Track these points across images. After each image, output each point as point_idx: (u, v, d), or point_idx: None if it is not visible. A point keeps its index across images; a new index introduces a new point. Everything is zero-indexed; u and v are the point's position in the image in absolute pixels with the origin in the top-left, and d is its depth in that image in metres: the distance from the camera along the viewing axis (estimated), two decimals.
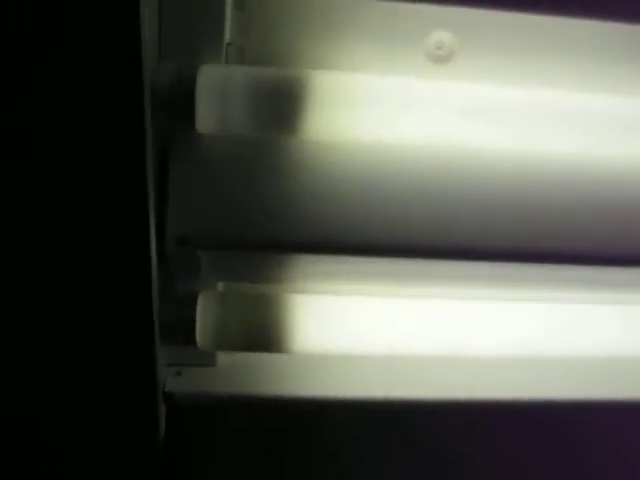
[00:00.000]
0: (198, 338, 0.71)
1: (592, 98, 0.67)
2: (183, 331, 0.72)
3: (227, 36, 0.66)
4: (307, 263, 0.70)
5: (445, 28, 0.67)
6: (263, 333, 0.73)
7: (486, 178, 0.67)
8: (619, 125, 0.67)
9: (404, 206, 0.66)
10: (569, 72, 0.68)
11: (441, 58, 0.68)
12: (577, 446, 0.83)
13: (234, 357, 0.79)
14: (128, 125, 0.61)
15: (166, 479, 0.77)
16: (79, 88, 0.60)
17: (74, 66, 0.59)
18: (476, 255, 0.67)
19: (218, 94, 0.63)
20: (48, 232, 0.65)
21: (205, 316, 0.71)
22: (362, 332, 0.73)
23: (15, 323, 0.69)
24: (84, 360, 0.71)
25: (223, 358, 0.79)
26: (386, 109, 0.65)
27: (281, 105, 0.64)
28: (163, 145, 0.65)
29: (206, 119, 0.64)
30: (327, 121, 0.65)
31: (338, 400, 0.75)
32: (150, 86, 0.61)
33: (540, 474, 0.83)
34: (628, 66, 0.69)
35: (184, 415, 0.77)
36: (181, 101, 0.63)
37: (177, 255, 0.66)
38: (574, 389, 0.78)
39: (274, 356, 0.79)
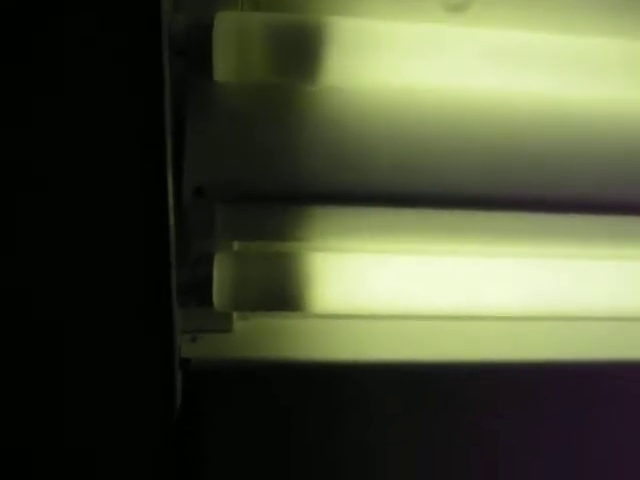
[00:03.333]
0: (214, 298, 0.70)
1: (610, 42, 0.66)
2: (199, 292, 0.70)
3: None
4: (325, 216, 0.69)
5: None
6: (281, 292, 0.71)
7: (505, 124, 0.67)
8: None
9: (424, 152, 0.66)
10: (586, 17, 0.68)
11: (456, 7, 0.68)
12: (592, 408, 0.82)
13: (250, 323, 0.77)
14: (146, 73, 0.61)
15: (182, 445, 0.75)
16: (98, 39, 0.60)
17: (94, 16, 0.59)
18: (496, 204, 0.67)
19: (235, 41, 0.63)
20: (62, 186, 0.64)
21: (221, 276, 0.70)
22: (383, 290, 0.72)
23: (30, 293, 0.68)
24: (101, 324, 0.70)
25: (239, 324, 0.77)
26: (404, 55, 0.64)
27: (299, 52, 0.63)
28: (181, 95, 0.64)
29: (223, 66, 0.63)
30: (346, 68, 0.64)
31: (358, 364, 0.74)
32: (167, 35, 0.61)
33: (553, 436, 0.81)
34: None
35: (200, 381, 0.75)
36: (198, 49, 0.63)
37: (193, 206, 0.65)
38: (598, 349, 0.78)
39: (291, 321, 0.78)
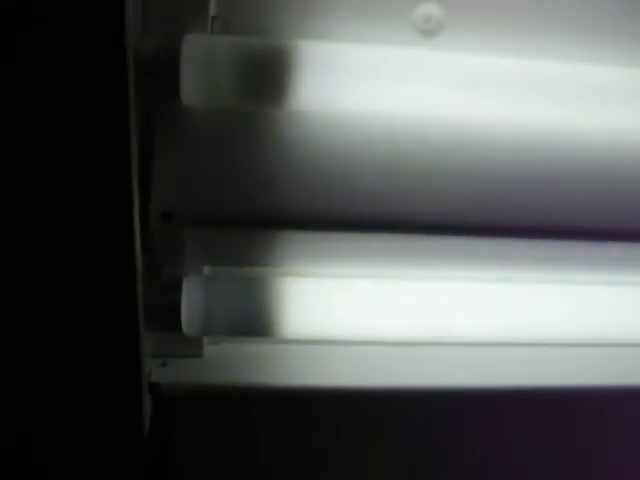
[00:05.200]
0: (183, 323, 0.69)
1: (582, 68, 0.66)
2: (169, 316, 0.69)
3: (212, 9, 0.65)
4: (295, 242, 0.68)
5: (433, 0, 0.66)
6: (250, 317, 0.70)
7: (476, 149, 0.66)
8: (612, 95, 0.66)
9: (395, 178, 0.65)
10: (558, 42, 0.67)
11: (429, 32, 0.67)
12: (575, 435, 0.81)
13: (221, 348, 0.77)
14: (111, 95, 0.60)
15: (153, 468, 0.74)
16: (62, 60, 0.59)
17: (58, 37, 0.58)
18: (468, 230, 0.66)
19: (203, 63, 0.62)
20: (23, 213, 0.63)
21: (190, 300, 0.69)
22: (354, 316, 0.71)
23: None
24: (67, 348, 0.69)
25: (210, 349, 0.76)
26: (374, 79, 0.64)
27: (267, 75, 0.63)
28: (149, 118, 0.64)
29: (191, 89, 0.62)
30: (316, 92, 0.63)
31: (329, 389, 0.73)
32: (134, 58, 0.60)
33: (534, 465, 0.80)
34: (620, 36, 0.68)
35: (170, 406, 0.74)
36: (166, 71, 0.62)
37: (161, 232, 0.64)
38: (573, 375, 0.77)
39: (262, 346, 0.77)
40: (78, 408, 0.71)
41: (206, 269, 0.73)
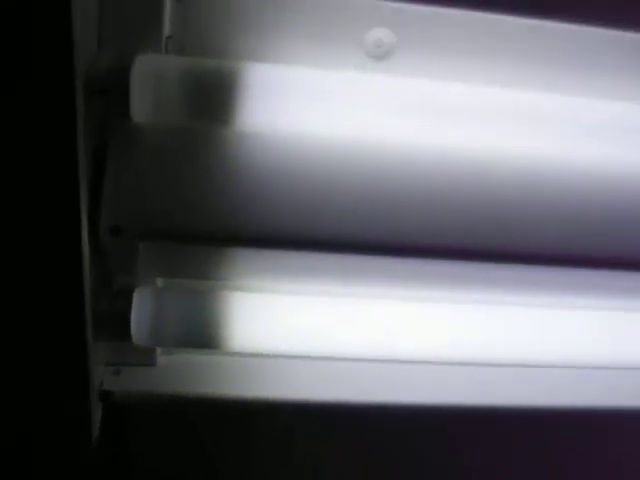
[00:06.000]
0: (132, 333, 0.71)
1: (527, 94, 0.67)
2: (118, 326, 0.71)
3: (166, 30, 0.66)
4: (243, 257, 0.69)
5: (384, 25, 0.67)
6: (199, 330, 0.72)
7: (424, 173, 0.67)
8: (556, 122, 0.67)
9: (341, 199, 0.66)
10: (508, 68, 0.69)
11: (380, 56, 0.68)
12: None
13: (175, 358, 0.78)
14: (59, 112, 0.61)
15: (104, 475, 0.75)
16: (12, 77, 0.60)
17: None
18: (416, 251, 0.67)
19: (152, 82, 0.63)
20: None
21: (140, 311, 0.71)
22: (301, 331, 0.72)
23: None
24: (14, 354, 0.70)
25: (163, 358, 0.78)
26: (320, 102, 0.65)
27: (215, 95, 0.64)
28: (101, 135, 0.65)
29: (141, 107, 0.64)
30: (260, 113, 0.65)
31: (276, 402, 0.74)
32: (86, 75, 0.61)
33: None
34: (563, 62, 0.69)
35: (123, 414, 0.76)
36: (116, 89, 0.63)
37: (110, 246, 0.66)
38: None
39: (215, 357, 0.78)
40: (22, 413, 0.72)
41: (159, 281, 0.74)
